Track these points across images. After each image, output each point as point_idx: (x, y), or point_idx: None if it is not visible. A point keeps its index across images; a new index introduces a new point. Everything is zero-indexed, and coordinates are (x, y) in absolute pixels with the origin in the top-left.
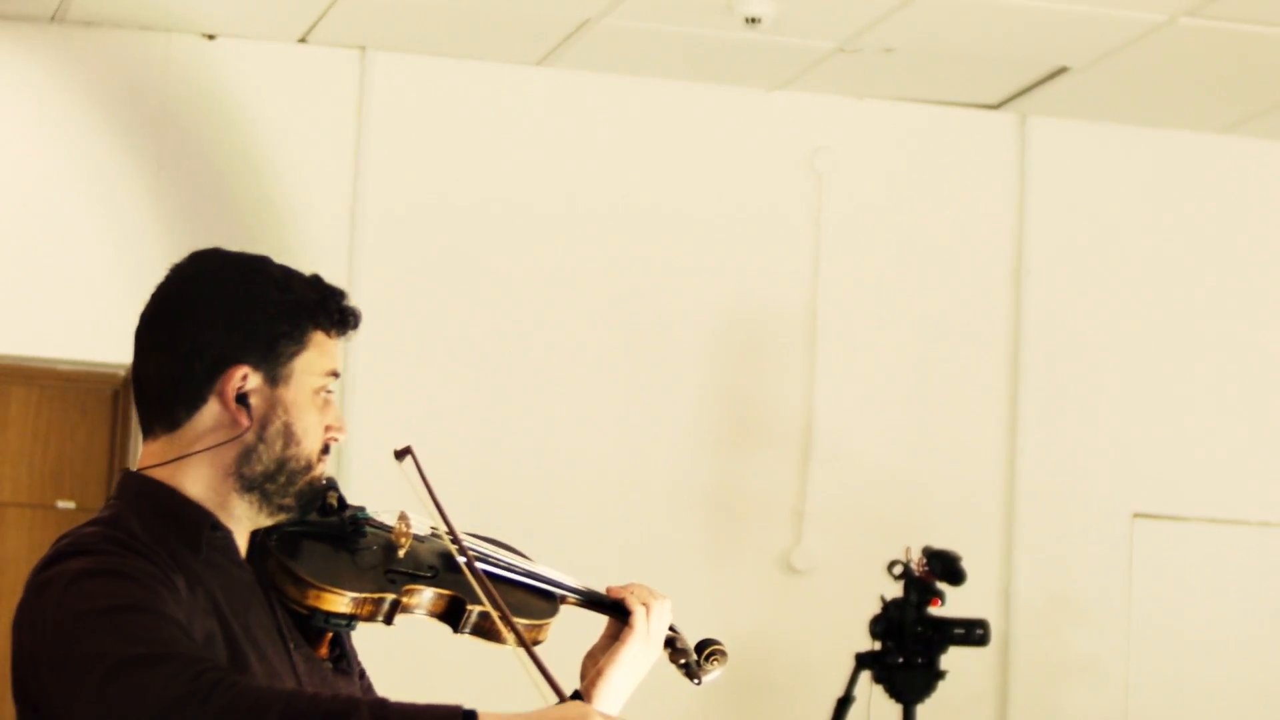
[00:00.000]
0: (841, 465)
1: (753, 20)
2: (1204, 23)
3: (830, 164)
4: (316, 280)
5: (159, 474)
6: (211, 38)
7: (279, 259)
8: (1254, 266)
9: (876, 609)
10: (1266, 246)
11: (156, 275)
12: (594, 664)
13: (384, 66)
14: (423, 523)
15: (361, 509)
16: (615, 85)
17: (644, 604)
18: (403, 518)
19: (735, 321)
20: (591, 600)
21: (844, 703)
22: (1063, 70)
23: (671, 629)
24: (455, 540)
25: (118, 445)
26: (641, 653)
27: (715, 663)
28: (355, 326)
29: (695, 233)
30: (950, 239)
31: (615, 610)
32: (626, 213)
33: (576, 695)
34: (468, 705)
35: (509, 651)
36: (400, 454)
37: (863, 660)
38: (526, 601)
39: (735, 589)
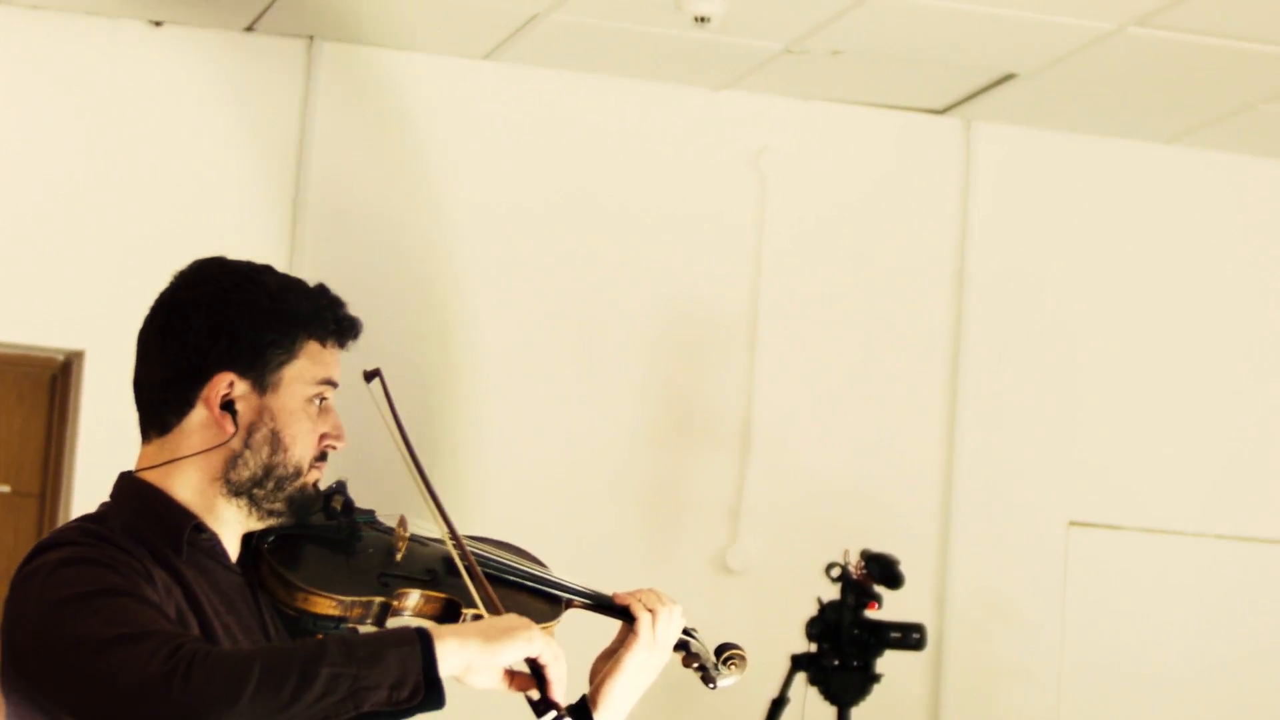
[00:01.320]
0: (779, 466)
1: (702, 19)
2: (1152, 33)
3: (774, 165)
4: (318, 290)
5: (150, 476)
6: (158, 24)
7: (219, 250)
8: (1194, 277)
9: (812, 611)
10: (1207, 257)
11: (97, 260)
12: (602, 667)
13: (331, 57)
14: (424, 526)
15: (370, 513)
16: (562, 81)
17: (650, 610)
18: (402, 521)
19: (676, 320)
20: (598, 604)
21: (778, 704)
22: (1010, 77)
23: (688, 632)
24: (425, 479)
25: (54, 429)
26: (646, 659)
27: (733, 668)
28: (355, 337)
29: (638, 230)
30: (893, 243)
31: (622, 615)
32: (570, 209)
33: (583, 699)
34: (449, 695)
35: None
36: (369, 375)
37: (798, 662)
38: (527, 604)
39: (670, 587)
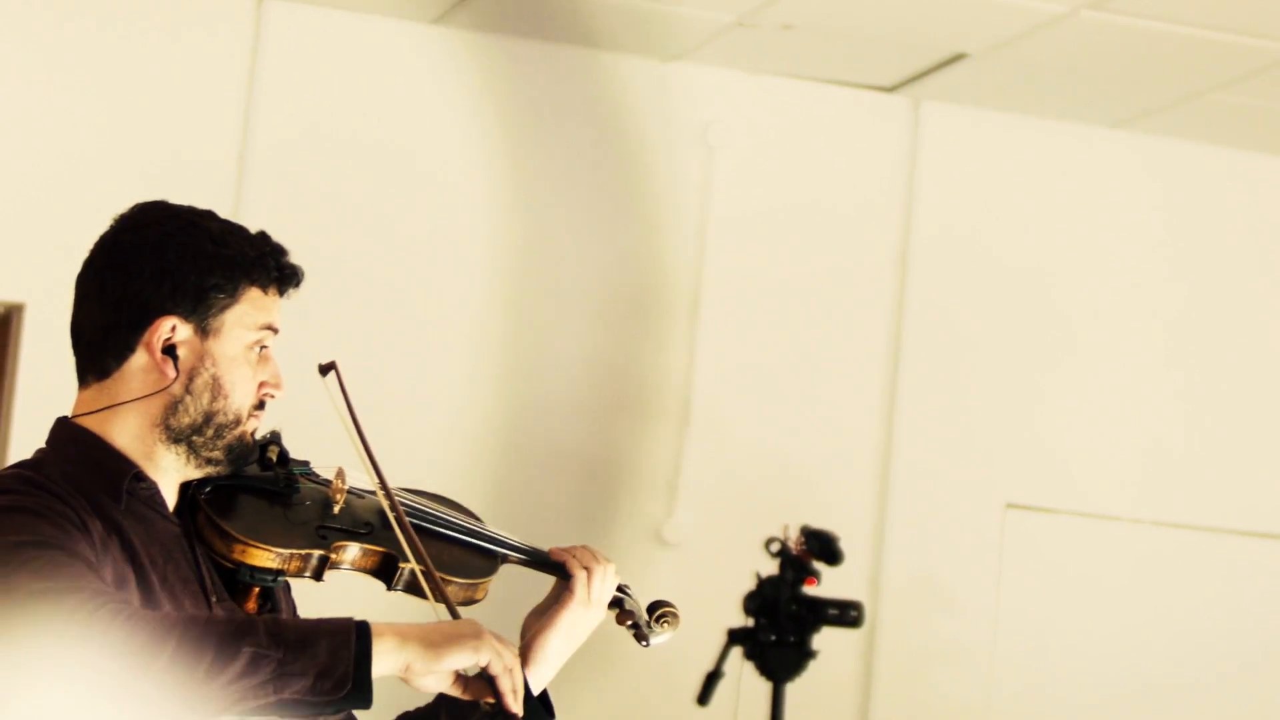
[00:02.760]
0: (718, 440)
1: None
2: (1105, 16)
3: (722, 138)
4: (260, 237)
5: (88, 422)
6: None
7: None
8: (1137, 263)
9: (747, 585)
10: (1150, 243)
11: (36, 213)
12: (535, 623)
13: (279, 15)
14: (361, 479)
15: (305, 464)
16: (510, 47)
17: (586, 568)
18: (340, 474)
19: (619, 291)
20: (534, 560)
21: (713, 677)
22: (960, 56)
23: (622, 590)
24: (377, 470)
25: None
26: (581, 617)
27: (666, 625)
28: (296, 284)
29: (584, 201)
30: (838, 219)
31: (558, 572)
32: (514, 176)
33: None
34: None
35: (442, 609)
36: (325, 369)
37: (735, 636)
38: (464, 560)
39: None
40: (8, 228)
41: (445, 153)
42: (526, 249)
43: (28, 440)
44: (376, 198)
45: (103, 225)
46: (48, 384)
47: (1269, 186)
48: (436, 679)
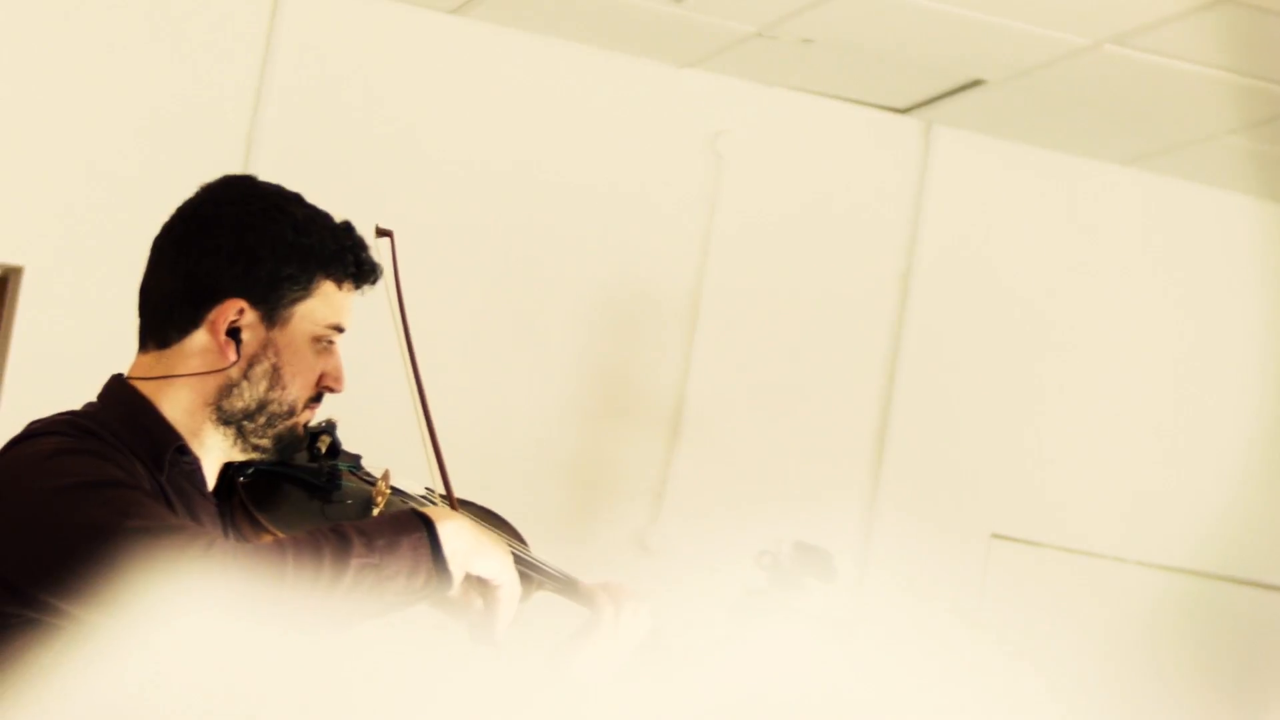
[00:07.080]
0: (708, 450)
1: None
2: (1128, 52)
3: (732, 148)
4: (344, 228)
5: (143, 387)
6: None
7: (169, 175)
8: (1135, 302)
9: (730, 595)
10: (1150, 284)
11: (37, 176)
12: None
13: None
14: (408, 482)
15: (357, 459)
16: (526, 43)
17: (615, 603)
18: (386, 475)
19: (618, 295)
20: (566, 589)
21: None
22: (977, 83)
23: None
24: (416, 372)
25: None
26: (604, 651)
27: None
28: (373, 282)
29: (588, 201)
30: (842, 238)
31: (589, 603)
32: (520, 173)
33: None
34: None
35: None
36: (382, 233)
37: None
38: None
39: (587, 563)
40: (7, 190)
41: (451, 145)
42: (526, 248)
43: (22, 403)
44: (379, 188)
45: (103, 192)
46: (44, 347)
47: (1274, 233)
48: (458, 576)
